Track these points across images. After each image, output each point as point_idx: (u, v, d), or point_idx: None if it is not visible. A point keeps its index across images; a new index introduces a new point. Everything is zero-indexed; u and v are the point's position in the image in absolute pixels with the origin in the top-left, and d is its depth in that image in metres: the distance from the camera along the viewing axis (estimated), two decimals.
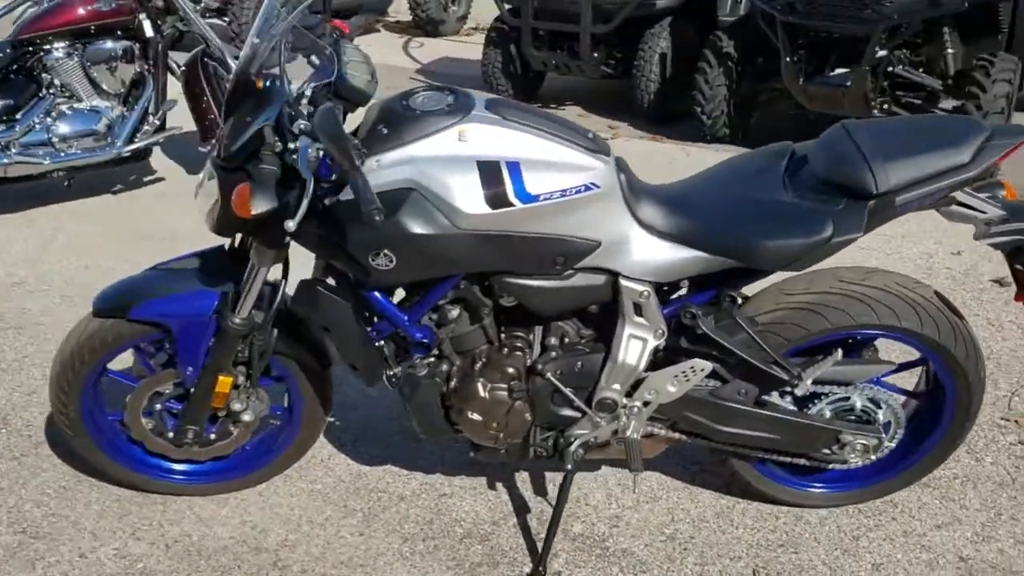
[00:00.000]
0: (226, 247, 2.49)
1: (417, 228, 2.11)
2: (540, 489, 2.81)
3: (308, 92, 2.14)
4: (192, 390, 2.47)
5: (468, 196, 2.11)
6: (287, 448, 2.71)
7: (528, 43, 6.85)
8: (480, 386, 2.35)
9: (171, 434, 2.58)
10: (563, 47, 6.82)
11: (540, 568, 2.48)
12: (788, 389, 2.42)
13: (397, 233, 2.10)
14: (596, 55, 6.68)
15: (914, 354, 2.55)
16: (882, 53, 5.43)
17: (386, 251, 2.13)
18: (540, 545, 2.58)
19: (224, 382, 2.44)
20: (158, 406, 2.55)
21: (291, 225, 1.96)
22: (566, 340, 2.41)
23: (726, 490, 2.80)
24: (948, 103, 5.83)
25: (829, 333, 2.39)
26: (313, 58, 2.24)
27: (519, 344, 2.37)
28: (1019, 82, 5.59)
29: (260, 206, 2.04)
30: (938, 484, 2.81)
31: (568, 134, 2.21)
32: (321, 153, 2.03)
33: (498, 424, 2.40)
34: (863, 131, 2.28)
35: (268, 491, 2.79)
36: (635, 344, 2.34)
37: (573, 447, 2.46)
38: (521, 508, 2.73)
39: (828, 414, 2.49)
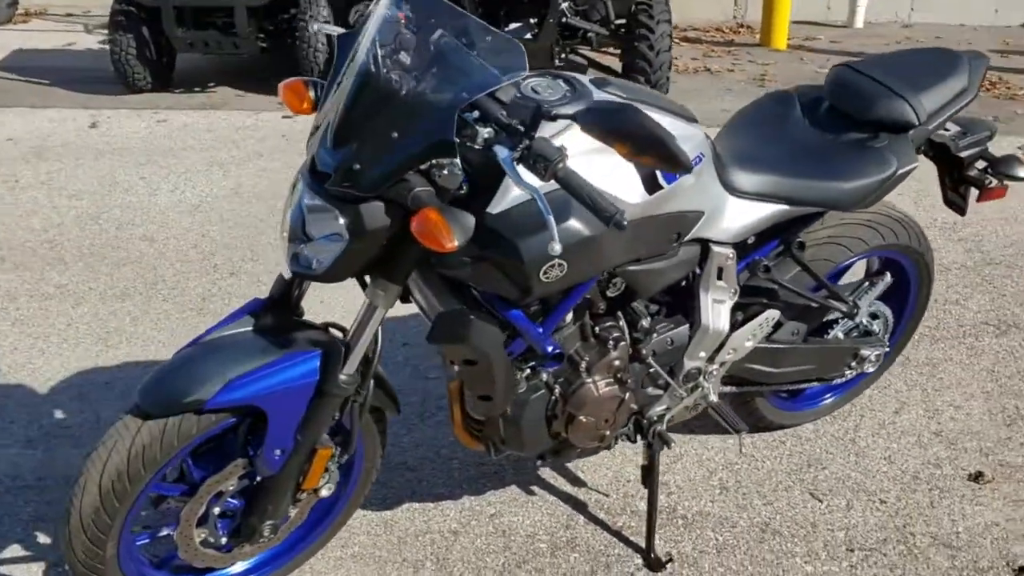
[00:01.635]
0: (274, 298, 2.04)
1: (590, 229, 1.90)
2: (574, 479, 2.71)
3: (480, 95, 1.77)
4: (270, 478, 2.01)
5: (628, 185, 1.95)
6: (340, 515, 2.31)
7: (171, 24, 6.17)
8: (592, 387, 2.21)
9: (226, 539, 2.08)
10: (211, 24, 6.26)
11: (652, 554, 2.42)
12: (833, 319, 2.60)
13: (574, 238, 1.88)
14: (249, 29, 6.24)
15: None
16: (564, 5, 5.73)
17: (559, 260, 1.90)
18: (629, 534, 2.52)
19: (323, 455, 2.02)
20: (216, 510, 2.04)
21: (557, 248, 1.66)
22: (648, 320, 2.34)
23: (719, 430, 2.90)
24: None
25: (848, 260, 2.59)
26: (404, 54, 1.87)
27: (616, 335, 2.25)
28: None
29: (462, 235, 1.71)
30: None
31: (671, 106, 2.12)
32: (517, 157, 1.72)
33: (607, 421, 2.28)
34: (874, 69, 2.47)
35: (306, 575, 2.36)
36: (718, 308, 2.34)
37: (663, 425, 2.41)
38: (577, 504, 2.62)
39: (841, 336, 2.71)
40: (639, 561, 2.43)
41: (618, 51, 6.22)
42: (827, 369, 2.68)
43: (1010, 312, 3.61)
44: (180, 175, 5.02)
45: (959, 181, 2.68)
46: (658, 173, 2.00)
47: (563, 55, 6.01)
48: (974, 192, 2.64)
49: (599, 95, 2.00)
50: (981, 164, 2.62)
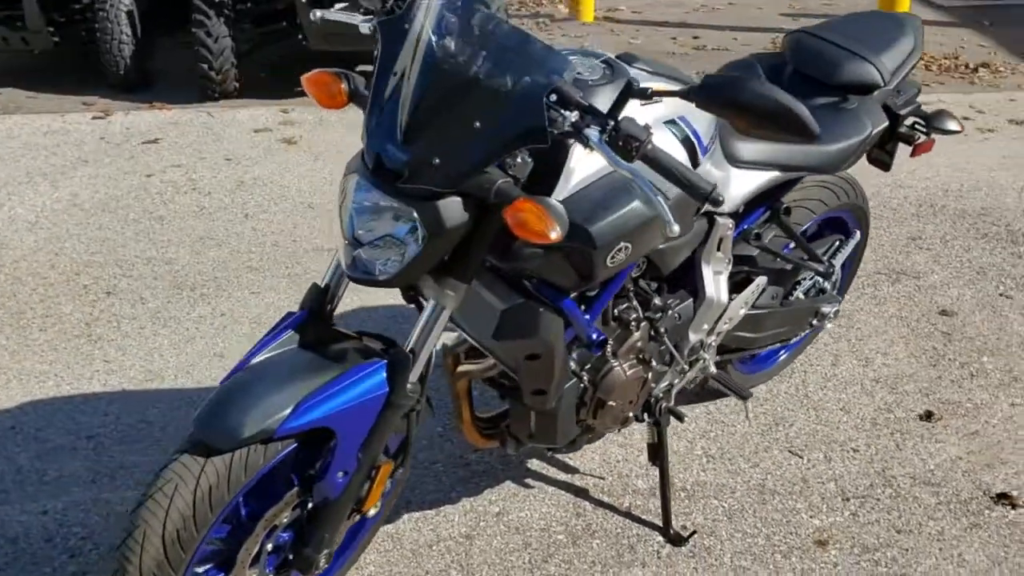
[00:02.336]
0: (312, 310, 1.84)
1: (651, 208, 1.83)
2: (565, 467, 2.64)
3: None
4: (330, 503, 1.82)
5: None
6: (369, 532, 2.13)
7: None
8: (620, 370, 2.15)
9: (271, 574, 1.87)
10: None
11: (671, 530, 2.41)
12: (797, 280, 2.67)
13: (639, 219, 1.81)
14: (40, 22, 5.65)
15: None
16: None
17: (625, 243, 1.82)
18: (640, 512, 2.49)
19: (385, 471, 1.85)
20: (269, 546, 1.82)
21: (676, 228, 1.56)
22: (659, 298, 2.31)
23: (685, 401, 2.93)
24: None
25: (811, 222, 2.67)
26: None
27: (635, 315, 2.20)
28: None
29: (561, 224, 1.59)
30: None
31: (687, 78, 2.08)
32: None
33: (631, 402, 2.23)
34: (832, 34, 2.54)
35: None
36: (718, 279, 2.34)
37: (672, 401, 2.40)
38: (578, 491, 2.55)
39: (802, 295, 2.79)
40: (660, 538, 2.40)
41: None
42: (795, 329, 2.76)
43: (894, 260, 3.87)
44: None
45: (888, 138, 2.82)
46: (697, 147, 1.97)
47: None
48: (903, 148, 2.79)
49: (633, 71, 1.94)
50: (910, 120, 2.77)
